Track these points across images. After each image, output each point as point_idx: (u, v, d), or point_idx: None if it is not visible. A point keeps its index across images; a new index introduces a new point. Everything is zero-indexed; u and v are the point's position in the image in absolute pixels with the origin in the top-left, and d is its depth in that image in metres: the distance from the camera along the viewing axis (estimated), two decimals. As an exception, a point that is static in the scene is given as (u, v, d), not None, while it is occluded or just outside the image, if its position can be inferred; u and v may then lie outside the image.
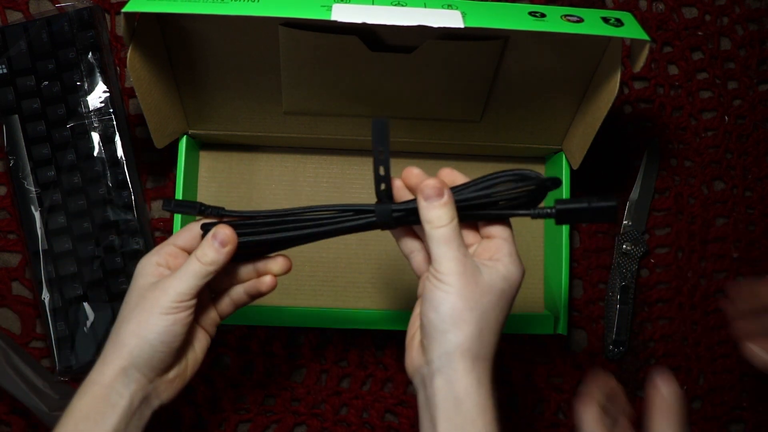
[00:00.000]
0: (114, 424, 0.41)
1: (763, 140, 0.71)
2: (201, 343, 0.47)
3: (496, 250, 0.41)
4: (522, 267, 0.41)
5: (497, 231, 0.42)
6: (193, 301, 0.43)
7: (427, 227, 0.40)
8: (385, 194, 0.42)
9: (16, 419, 0.61)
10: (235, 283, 0.48)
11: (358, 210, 0.43)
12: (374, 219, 0.42)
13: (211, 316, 0.48)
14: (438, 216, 0.40)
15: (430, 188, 0.40)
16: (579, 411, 0.46)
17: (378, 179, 0.41)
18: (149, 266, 0.44)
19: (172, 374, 0.44)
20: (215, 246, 0.43)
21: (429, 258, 0.41)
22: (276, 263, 0.47)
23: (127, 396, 0.41)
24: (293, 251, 0.64)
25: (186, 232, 0.45)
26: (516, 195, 0.41)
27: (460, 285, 0.39)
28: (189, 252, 0.45)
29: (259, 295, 0.48)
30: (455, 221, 0.40)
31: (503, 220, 0.42)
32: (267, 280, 0.47)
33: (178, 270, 0.43)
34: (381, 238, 0.65)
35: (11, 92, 0.60)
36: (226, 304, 0.48)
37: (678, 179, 0.69)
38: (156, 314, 0.41)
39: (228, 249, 0.43)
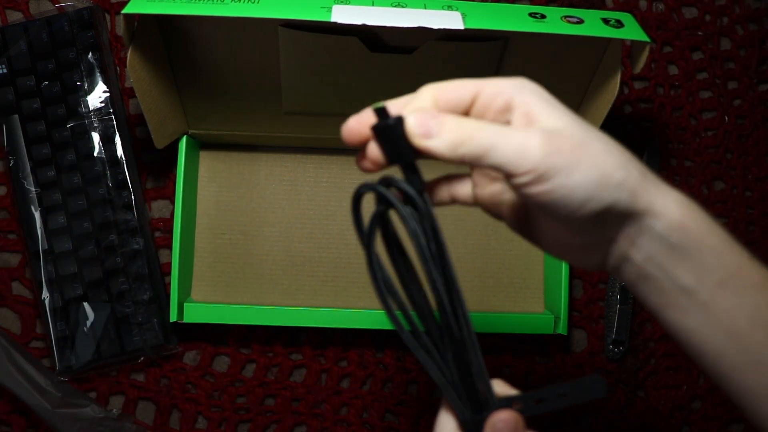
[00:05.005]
0: None
1: (763, 140, 0.71)
2: None
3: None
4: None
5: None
6: None
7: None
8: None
9: (17, 418, 0.61)
10: None
11: None
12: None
13: None
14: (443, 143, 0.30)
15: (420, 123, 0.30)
16: None
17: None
18: None
19: None
20: None
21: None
22: None
23: None
24: (294, 250, 0.65)
25: None
26: None
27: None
28: None
29: None
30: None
31: None
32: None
33: None
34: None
35: (11, 92, 0.60)
36: None
37: (678, 179, 0.69)
38: None
39: None
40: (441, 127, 0.30)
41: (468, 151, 0.29)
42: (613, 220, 0.31)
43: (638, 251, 0.32)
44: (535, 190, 0.29)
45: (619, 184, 0.30)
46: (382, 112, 0.31)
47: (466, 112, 0.32)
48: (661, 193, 0.31)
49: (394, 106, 0.32)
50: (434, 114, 0.30)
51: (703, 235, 0.31)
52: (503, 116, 0.31)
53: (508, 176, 0.30)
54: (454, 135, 0.30)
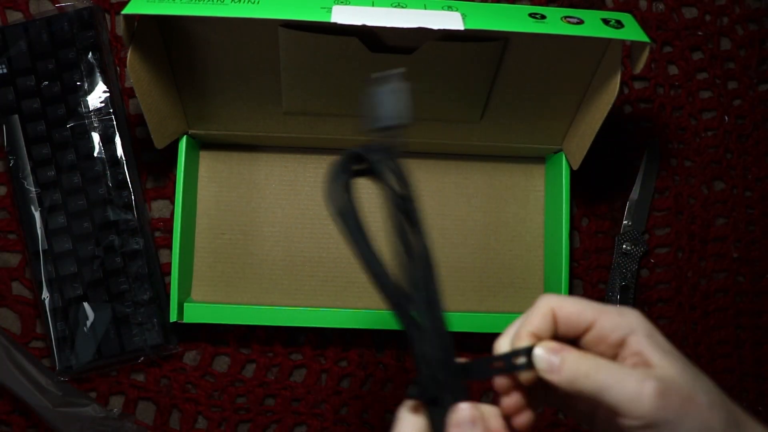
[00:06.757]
0: None
1: (763, 140, 0.71)
2: None
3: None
4: None
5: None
6: None
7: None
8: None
9: (18, 418, 0.61)
10: None
11: None
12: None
13: None
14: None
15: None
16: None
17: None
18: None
19: None
20: None
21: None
22: None
23: None
24: (294, 250, 0.65)
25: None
26: None
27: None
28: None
29: None
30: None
31: None
32: None
33: None
34: (381, 237, 0.65)
35: (11, 92, 0.60)
36: None
37: (678, 179, 0.69)
38: None
39: None
40: (562, 365, 0.32)
41: (584, 388, 0.32)
42: None
43: None
44: None
45: None
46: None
47: (581, 335, 0.34)
48: None
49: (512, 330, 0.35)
50: (556, 348, 0.33)
51: None
52: (615, 349, 0.34)
53: (616, 414, 0.31)
54: (574, 372, 0.32)
